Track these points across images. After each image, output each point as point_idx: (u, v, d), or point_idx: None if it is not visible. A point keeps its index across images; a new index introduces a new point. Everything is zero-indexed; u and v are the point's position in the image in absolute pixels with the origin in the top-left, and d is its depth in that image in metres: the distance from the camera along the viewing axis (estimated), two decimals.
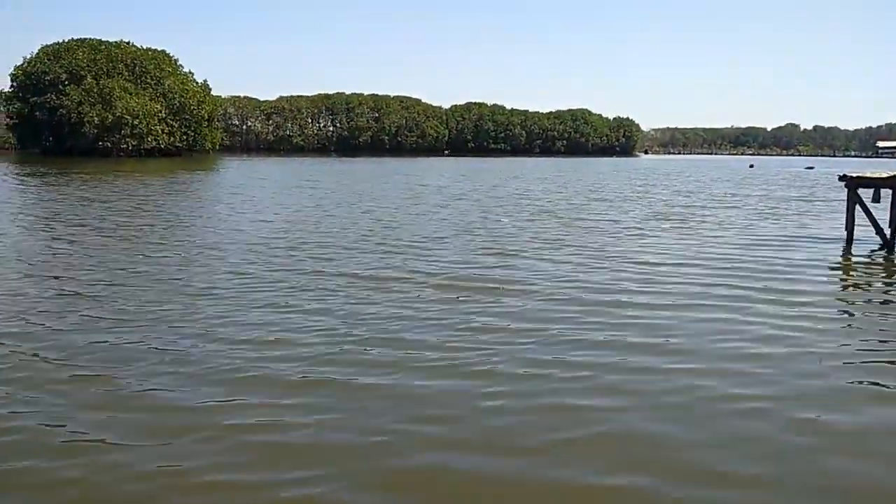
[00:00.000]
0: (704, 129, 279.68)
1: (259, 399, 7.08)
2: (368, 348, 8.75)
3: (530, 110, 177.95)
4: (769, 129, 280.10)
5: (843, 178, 18.45)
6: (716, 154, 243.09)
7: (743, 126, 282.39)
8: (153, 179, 44.73)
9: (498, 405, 7.02)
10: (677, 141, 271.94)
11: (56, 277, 12.88)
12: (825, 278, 14.69)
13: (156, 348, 8.59)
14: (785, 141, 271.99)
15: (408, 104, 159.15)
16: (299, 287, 12.21)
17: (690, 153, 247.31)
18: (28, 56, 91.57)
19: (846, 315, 11.47)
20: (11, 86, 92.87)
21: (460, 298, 11.57)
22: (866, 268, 16.26)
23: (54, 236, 18.36)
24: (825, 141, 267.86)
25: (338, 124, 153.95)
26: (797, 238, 20.14)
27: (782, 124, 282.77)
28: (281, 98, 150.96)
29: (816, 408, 7.08)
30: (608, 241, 19.06)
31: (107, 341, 8.85)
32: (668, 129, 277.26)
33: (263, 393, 7.24)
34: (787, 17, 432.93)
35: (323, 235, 19.34)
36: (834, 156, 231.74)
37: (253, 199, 31.35)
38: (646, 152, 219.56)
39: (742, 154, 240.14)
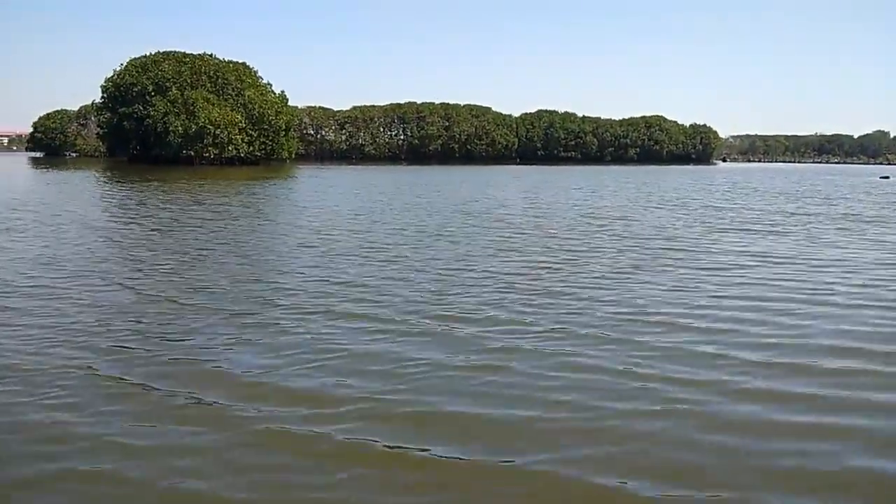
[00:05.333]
0: (787, 137, 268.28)
1: None
2: None
3: (602, 117, 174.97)
4: (856, 137, 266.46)
5: None
6: (799, 162, 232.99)
7: (828, 133, 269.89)
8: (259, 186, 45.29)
9: None
10: (758, 148, 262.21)
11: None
12: None
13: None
14: (872, 149, 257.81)
15: (477, 112, 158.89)
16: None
17: (772, 161, 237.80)
18: (118, 68, 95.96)
19: None
20: (102, 97, 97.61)
21: None
22: None
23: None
24: None
25: (408, 133, 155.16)
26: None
27: (870, 131, 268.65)
28: (354, 108, 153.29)
29: None
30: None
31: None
32: (748, 136, 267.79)
33: None
34: (875, 17, 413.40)
35: None
36: None
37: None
38: (724, 160, 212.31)
39: (826, 162, 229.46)
